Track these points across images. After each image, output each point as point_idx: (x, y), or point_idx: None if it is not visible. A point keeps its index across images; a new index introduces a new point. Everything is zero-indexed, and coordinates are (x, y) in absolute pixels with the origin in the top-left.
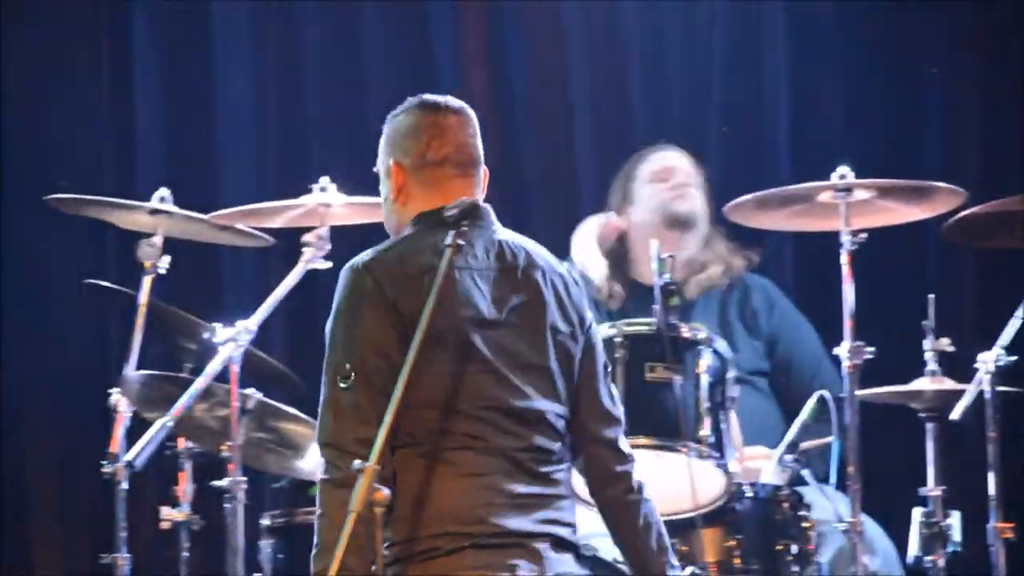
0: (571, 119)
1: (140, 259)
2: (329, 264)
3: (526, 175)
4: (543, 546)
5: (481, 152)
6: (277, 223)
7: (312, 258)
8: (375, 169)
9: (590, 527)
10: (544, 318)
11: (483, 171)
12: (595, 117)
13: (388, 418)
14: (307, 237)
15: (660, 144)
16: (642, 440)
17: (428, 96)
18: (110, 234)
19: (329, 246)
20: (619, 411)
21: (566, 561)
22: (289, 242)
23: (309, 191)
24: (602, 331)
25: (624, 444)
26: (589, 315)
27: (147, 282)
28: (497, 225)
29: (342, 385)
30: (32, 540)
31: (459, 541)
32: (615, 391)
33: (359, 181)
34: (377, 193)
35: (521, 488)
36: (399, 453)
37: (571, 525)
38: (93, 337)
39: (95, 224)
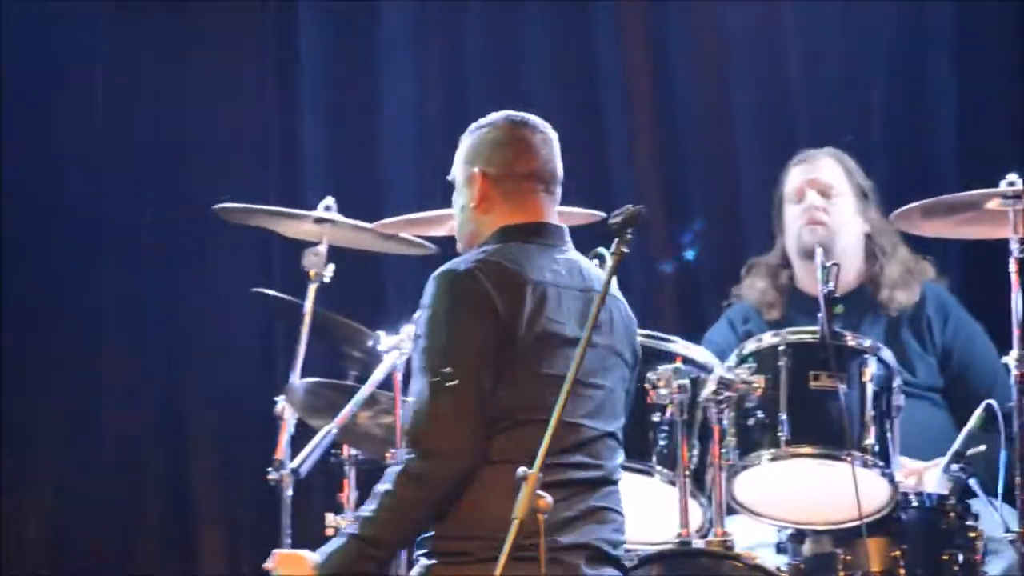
0: (732, 120)
1: (305, 268)
2: None
3: (689, 176)
4: (578, 560)
5: (561, 172)
6: (440, 231)
7: None
8: (449, 177)
9: (754, 537)
10: (612, 341)
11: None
12: (756, 117)
13: (552, 423)
14: None
15: (805, 151)
16: (806, 449)
17: (514, 112)
18: (276, 243)
19: None
20: None
21: (604, 573)
22: (452, 250)
23: None
24: (766, 339)
25: None
26: (637, 344)
27: (312, 290)
28: (570, 245)
29: (443, 386)
30: (198, 548)
31: (493, 549)
32: None
33: None
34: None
35: (567, 502)
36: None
37: (615, 541)
38: (259, 345)
39: (262, 234)
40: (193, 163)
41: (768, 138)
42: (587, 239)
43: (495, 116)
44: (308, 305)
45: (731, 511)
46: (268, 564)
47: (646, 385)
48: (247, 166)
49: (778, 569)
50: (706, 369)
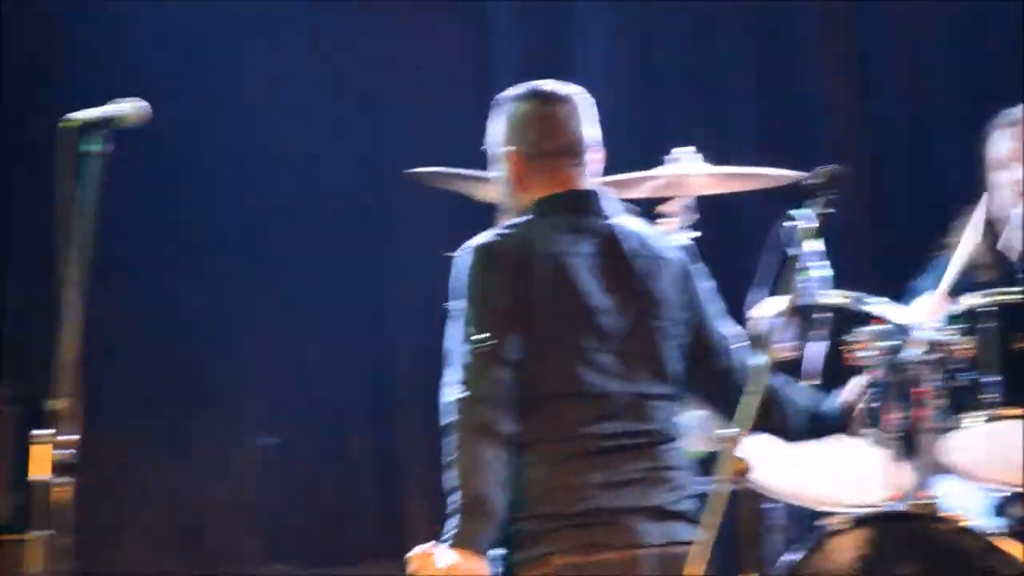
0: (933, 117)
1: None
2: (694, 234)
3: (897, 174)
4: (642, 520)
5: (591, 136)
6: (639, 193)
7: (674, 229)
8: (484, 147)
9: (963, 500)
10: (654, 302)
11: (597, 155)
12: (960, 114)
13: None
14: (665, 207)
15: (1011, 111)
16: (1018, 411)
17: (541, 84)
18: (469, 206)
19: (696, 216)
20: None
21: (671, 529)
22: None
23: (665, 162)
24: (972, 301)
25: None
26: (702, 288)
27: None
28: (612, 210)
29: (478, 351)
30: (404, 515)
31: (559, 521)
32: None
33: (719, 151)
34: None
35: (620, 467)
36: (518, 433)
37: (675, 498)
38: None
39: (454, 197)
40: (386, 126)
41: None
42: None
43: (523, 89)
44: None
45: (939, 473)
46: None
47: (844, 347)
48: (440, 129)
49: (989, 532)
50: (906, 331)
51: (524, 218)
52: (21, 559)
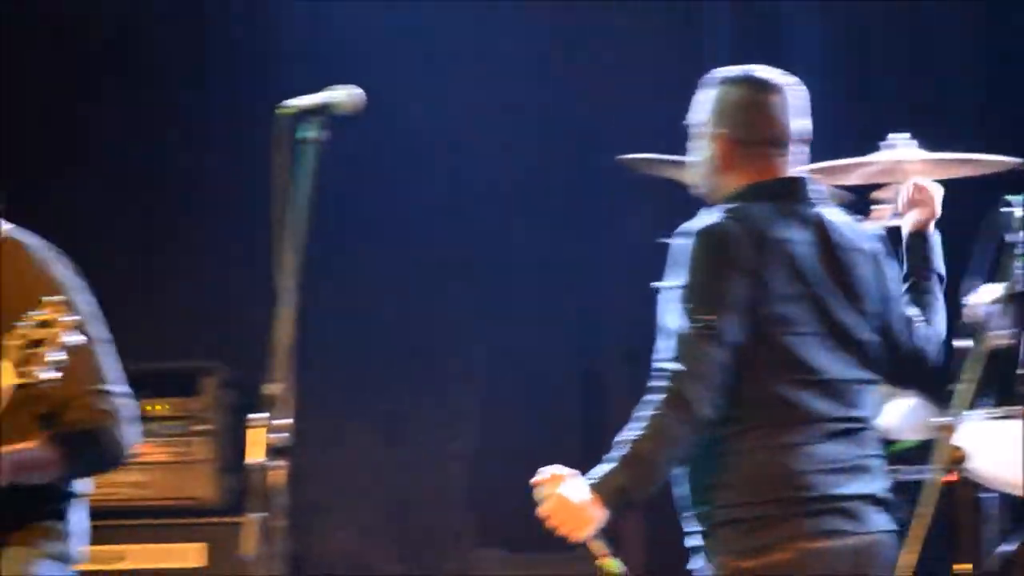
0: None
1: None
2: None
3: None
4: (865, 507)
5: (801, 129)
6: (852, 180)
7: (888, 215)
8: (687, 123)
9: None
10: (860, 292)
11: (803, 148)
12: None
13: None
14: (880, 193)
15: None
16: None
17: (756, 70)
18: (682, 192)
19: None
20: None
21: (883, 519)
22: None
23: (881, 148)
24: None
25: None
26: (891, 276)
27: None
28: (819, 198)
29: (698, 330)
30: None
31: (790, 507)
32: None
33: (934, 138)
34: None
35: (842, 454)
36: (730, 419)
37: (886, 485)
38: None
39: (666, 183)
40: (599, 113)
41: None
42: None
43: (737, 72)
44: None
45: None
46: (538, 479)
47: None
48: (651, 117)
49: None
50: None
51: (739, 203)
52: (238, 541)
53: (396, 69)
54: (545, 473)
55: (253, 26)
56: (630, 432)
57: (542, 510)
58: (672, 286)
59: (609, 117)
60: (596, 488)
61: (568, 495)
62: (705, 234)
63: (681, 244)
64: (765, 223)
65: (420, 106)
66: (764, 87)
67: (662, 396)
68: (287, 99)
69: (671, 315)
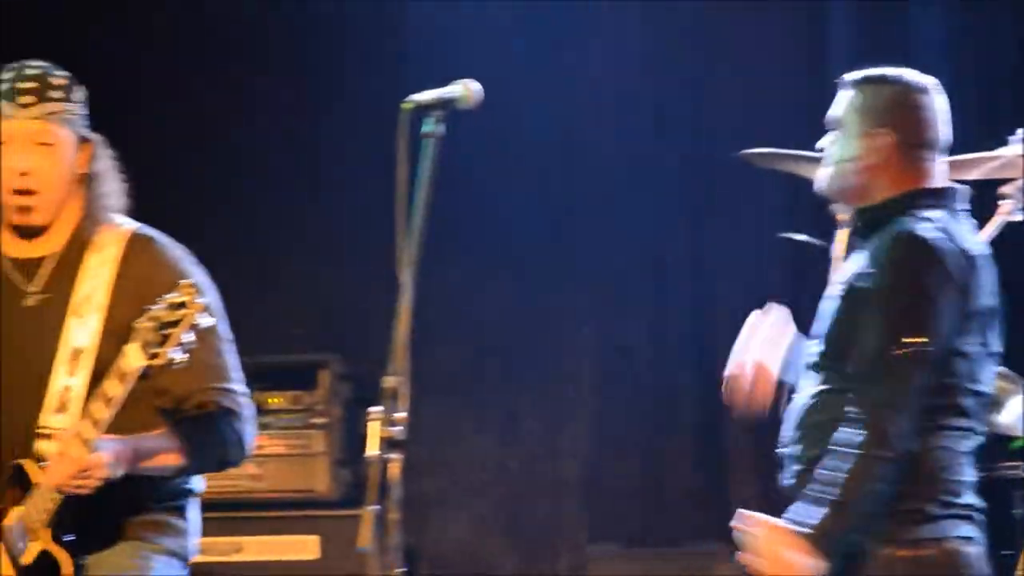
0: None
1: (833, 212)
2: None
3: None
4: (982, 519)
5: (948, 133)
6: (973, 175)
7: (1011, 210)
8: (832, 117)
9: None
10: (998, 307)
11: (945, 155)
12: None
13: None
14: (1005, 189)
15: None
16: None
17: (914, 74)
18: (803, 188)
19: None
20: None
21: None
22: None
23: (1010, 143)
24: None
25: None
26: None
27: (840, 235)
28: (963, 208)
29: (912, 359)
30: (730, 502)
31: (950, 509)
32: None
33: None
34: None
35: (974, 467)
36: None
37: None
38: (786, 291)
39: (788, 178)
40: (717, 109)
41: None
42: None
43: (896, 73)
44: (835, 250)
45: None
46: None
47: None
48: (773, 112)
49: None
50: None
51: (919, 209)
52: (352, 534)
53: (511, 64)
54: (748, 519)
55: (379, 25)
56: (832, 472)
57: (750, 560)
58: (865, 288)
59: (725, 112)
60: (818, 542)
61: (779, 545)
62: (919, 245)
63: (888, 250)
64: (962, 237)
65: (534, 102)
66: (926, 90)
67: (863, 434)
68: (410, 95)
69: (867, 329)
